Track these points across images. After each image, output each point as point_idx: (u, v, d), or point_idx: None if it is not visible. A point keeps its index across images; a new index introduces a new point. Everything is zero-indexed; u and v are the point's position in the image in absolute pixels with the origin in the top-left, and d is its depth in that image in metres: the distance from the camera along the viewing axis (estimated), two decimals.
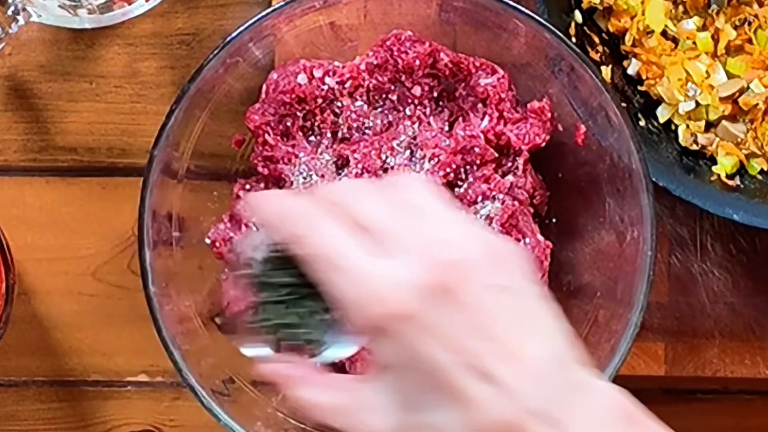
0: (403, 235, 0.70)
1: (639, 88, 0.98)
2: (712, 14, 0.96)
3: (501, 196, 0.92)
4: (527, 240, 0.92)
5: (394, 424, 0.71)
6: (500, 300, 0.70)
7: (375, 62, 0.93)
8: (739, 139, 0.96)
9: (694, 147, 0.97)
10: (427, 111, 0.94)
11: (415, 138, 0.93)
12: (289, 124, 0.93)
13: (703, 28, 0.97)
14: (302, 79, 0.92)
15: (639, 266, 0.88)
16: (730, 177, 0.96)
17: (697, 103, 0.96)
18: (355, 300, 0.70)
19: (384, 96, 0.94)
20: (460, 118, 0.94)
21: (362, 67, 0.93)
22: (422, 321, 0.69)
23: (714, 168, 0.96)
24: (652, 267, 0.88)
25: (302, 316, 0.75)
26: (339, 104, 0.93)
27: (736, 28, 0.96)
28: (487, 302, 0.70)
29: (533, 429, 0.68)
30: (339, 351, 0.76)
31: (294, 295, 0.75)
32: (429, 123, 0.93)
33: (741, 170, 0.97)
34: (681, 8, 0.97)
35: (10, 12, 0.94)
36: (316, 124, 0.93)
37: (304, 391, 0.74)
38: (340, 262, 0.70)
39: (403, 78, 0.93)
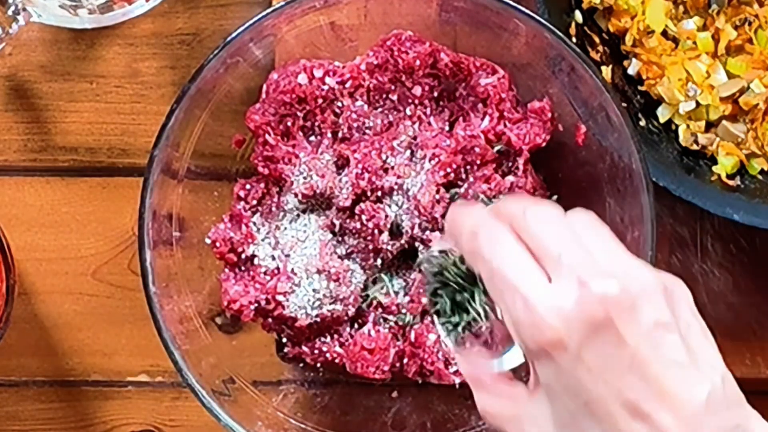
0: (575, 265, 0.72)
1: (639, 88, 0.98)
2: (713, 14, 0.96)
3: (501, 196, 0.92)
4: None
5: None
6: (659, 338, 0.71)
7: (375, 62, 0.93)
8: (739, 139, 0.96)
9: (695, 147, 0.97)
10: (428, 111, 0.94)
11: (415, 138, 0.93)
12: (289, 124, 0.93)
13: (704, 28, 0.96)
14: (302, 79, 0.92)
15: None
16: (731, 177, 0.96)
17: (698, 103, 0.96)
18: (522, 323, 0.72)
19: (384, 96, 0.94)
20: (461, 118, 0.94)
21: (362, 67, 0.93)
22: (580, 353, 0.71)
23: (714, 168, 0.96)
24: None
25: (472, 303, 0.79)
26: (339, 104, 0.93)
27: (736, 28, 0.96)
28: (646, 340, 0.71)
29: None
30: (515, 357, 0.79)
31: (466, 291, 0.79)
32: (429, 123, 0.93)
33: (741, 170, 0.97)
34: (681, 8, 0.97)
35: (10, 12, 0.94)
36: (317, 124, 0.93)
37: (483, 397, 0.78)
38: (513, 284, 0.73)
39: (403, 78, 0.93)
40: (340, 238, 0.93)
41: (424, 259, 0.80)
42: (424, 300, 0.85)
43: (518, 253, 0.73)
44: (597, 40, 0.97)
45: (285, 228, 0.93)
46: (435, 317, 0.80)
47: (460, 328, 0.79)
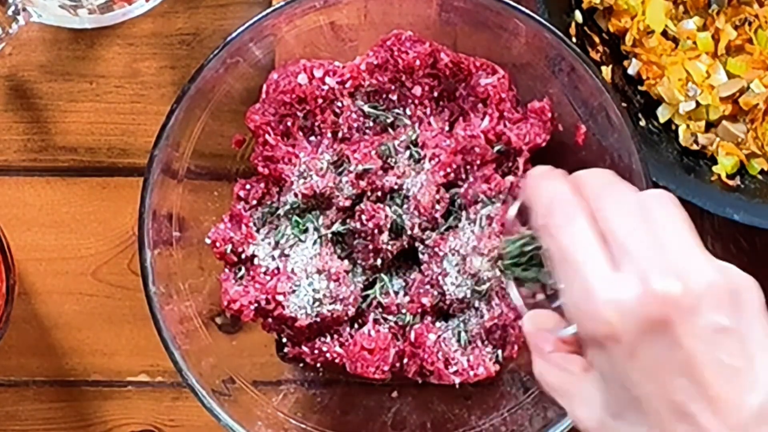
0: (642, 257, 0.71)
1: (639, 88, 0.98)
2: (713, 14, 0.96)
3: (502, 195, 0.92)
4: None
5: (597, 421, 0.74)
6: (717, 342, 0.70)
7: (375, 62, 0.93)
8: (739, 139, 0.96)
9: (695, 147, 0.97)
10: (428, 111, 0.94)
11: (415, 138, 0.93)
12: (289, 124, 0.93)
13: (704, 28, 0.97)
14: (302, 79, 0.92)
15: None
16: (731, 177, 0.96)
17: (698, 103, 0.96)
18: (579, 308, 0.72)
19: (384, 96, 0.94)
20: (461, 118, 0.94)
21: (362, 67, 0.93)
22: (634, 349, 0.71)
23: (714, 168, 0.96)
24: None
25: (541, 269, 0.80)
26: (339, 104, 0.93)
27: (736, 28, 0.96)
28: (702, 344, 0.70)
29: None
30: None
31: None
32: (429, 123, 0.93)
33: (741, 170, 0.97)
34: (681, 8, 0.97)
35: (10, 12, 0.93)
36: (317, 124, 0.93)
37: (539, 363, 0.77)
38: (578, 268, 0.72)
39: (403, 78, 0.93)
40: (340, 238, 0.93)
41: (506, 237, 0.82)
42: (500, 262, 0.84)
43: (587, 237, 0.72)
44: (597, 40, 0.97)
45: (285, 228, 0.93)
46: (505, 270, 0.81)
47: (530, 284, 0.80)
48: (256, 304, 0.92)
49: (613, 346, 0.71)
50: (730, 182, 0.96)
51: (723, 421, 0.70)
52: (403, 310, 0.92)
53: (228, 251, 0.93)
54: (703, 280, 0.71)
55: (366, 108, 0.93)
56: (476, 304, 0.92)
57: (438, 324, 0.93)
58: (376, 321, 0.93)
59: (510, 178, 0.93)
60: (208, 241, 0.93)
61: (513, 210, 0.81)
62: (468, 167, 0.92)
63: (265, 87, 0.93)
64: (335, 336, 0.93)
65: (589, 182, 0.75)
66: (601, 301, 0.71)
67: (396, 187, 0.92)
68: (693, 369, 0.70)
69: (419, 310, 0.93)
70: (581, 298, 0.72)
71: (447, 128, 0.94)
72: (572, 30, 0.95)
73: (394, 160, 0.92)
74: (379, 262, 0.92)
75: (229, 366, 0.94)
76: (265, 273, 0.92)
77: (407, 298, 0.93)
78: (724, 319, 0.71)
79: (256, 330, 0.95)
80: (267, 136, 0.93)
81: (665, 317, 0.70)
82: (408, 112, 0.94)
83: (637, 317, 0.70)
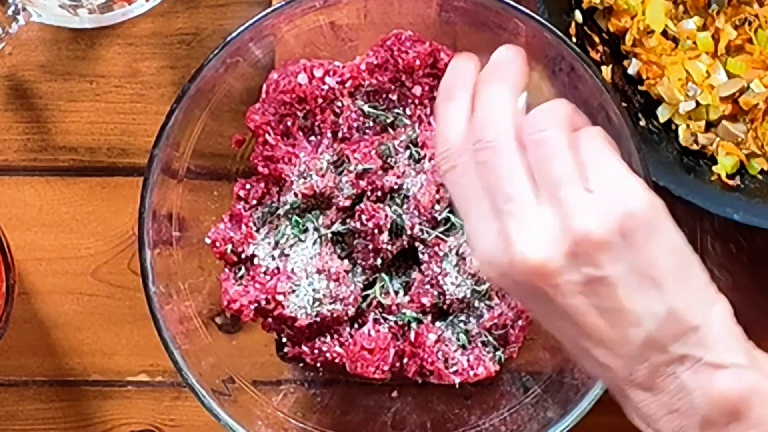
0: (514, 214, 0.74)
1: (639, 87, 0.98)
2: (713, 14, 0.96)
3: None
4: None
5: None
6: (592, 292, 0.74)
7: (375, 62, 0.93)
8: (739, 139, 0.96)
9: (695, 147, 0.97)
10: (428, 111, 0.94)
11: (415, 138, 0.93)
12: (289, 123, 0.93)
13: (704, 27, 0.96)
14: (302, 78, 0.92)
15: None
16: (731, 177, 0.96)
17: (698, 103, 0.96)
18: (473, 251, 0.78)
19: (384, 96, 0.94)
20: None
21: (362, 66, 0.93)
22: (521, 298, 0.79)
23: (714, 168, 0.96)
24: None
25: None
26: (339, 104, 0.93)
27: (736, 27, 0.96)
28: (575, 299, 0.74)
29: (631, 394, 0.76)
30: None
31: None
32: (429, 123, 0.93)
33: (741, 170, 0.97)
34: (681, 8, 0.97)
35: (10, 12, 0.93)
36: (317, 123, 0.93)
37: None
38: (465, 213, 0.77)
39: (403, 78, 0.93)
40: (340, 238, 0.93)
41: None
42: None
43: (470, 182, 0.76)
44: (597, 40, 0.97)
45: (285, 228, 0.93)
46: None
47: None
48: (256, 304, 0.92)
49: (540, 281, 0.74)
50: (730, 182, 0.96)
51: (614, 354, 0.74)
52: (403, 310, 0.92)
53: (228, 251, 0.93)
54: (571, 237, 0.73)
55: (366, 108, 0.93)
56: (476, 304, 0.92)
57: (438, 324, 0.93)
58: (376, 321, 0.93)
59: None
60: (208, 241, 0.94)
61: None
62: None
63: (265, 87, 0.93)
64: (335, 336, 0.93)
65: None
66: (479, 255, 0.76)
67: (396, 187, 0.92)
68: (574, 318, 0.74)
69: (419, 310, 0.92)
70: (471, 244, 0.76)
71: None
72: (572, 30, 0.95)
73: (394, 160, 0.92)
74: (379, 262, 0.92)
75: (229, 366, 0.94)
76: (265, 273, 0.92)
77: (407, 298, 0.93)
78: (597, 270, 0.73)
79: (256, 330, 0.95)
80: (267, 135, 0.93)
81: (533, 284, 0.73)
82: (408, 112, 0.94)
83: (509, 280, 0.75)
